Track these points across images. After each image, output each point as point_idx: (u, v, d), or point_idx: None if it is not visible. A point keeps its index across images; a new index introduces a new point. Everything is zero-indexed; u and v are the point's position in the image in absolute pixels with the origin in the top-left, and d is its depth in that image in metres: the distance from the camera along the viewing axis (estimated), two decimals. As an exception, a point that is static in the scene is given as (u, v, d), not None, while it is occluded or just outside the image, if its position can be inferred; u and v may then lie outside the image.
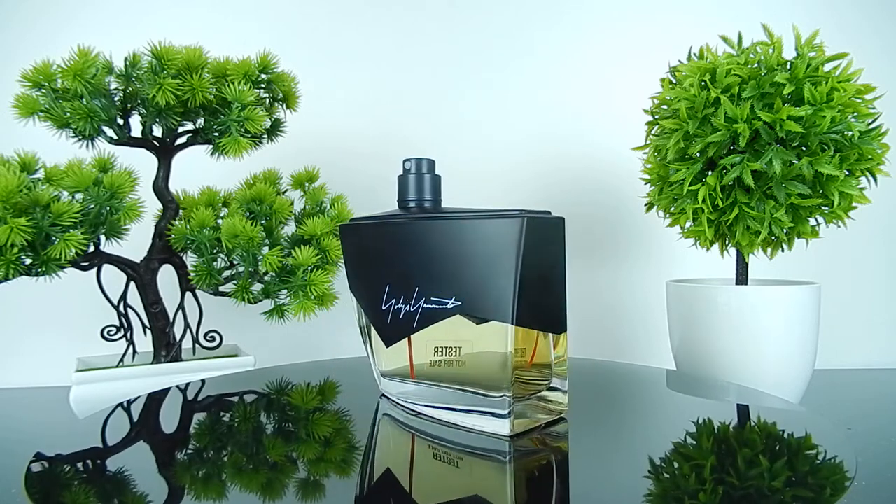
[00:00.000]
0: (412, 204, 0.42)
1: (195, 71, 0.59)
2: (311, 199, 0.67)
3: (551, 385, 0.38)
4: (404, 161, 0.41)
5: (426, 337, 0.38)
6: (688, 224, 0.61)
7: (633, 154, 0.69)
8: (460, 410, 0.38)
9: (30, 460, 0.33)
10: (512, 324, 0.34)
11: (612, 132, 0.88)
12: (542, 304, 0.36)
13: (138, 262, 0.62)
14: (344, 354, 0.66)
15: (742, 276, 0.63)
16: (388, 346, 0.41)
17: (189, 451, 0.36)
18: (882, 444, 0.56)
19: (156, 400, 0.47)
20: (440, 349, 0.38)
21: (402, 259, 0.39)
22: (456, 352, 0.38)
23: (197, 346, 0.66)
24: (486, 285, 0.35)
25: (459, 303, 0.36)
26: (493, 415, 0.36)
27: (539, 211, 0.36)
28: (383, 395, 0.45)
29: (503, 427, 0.36)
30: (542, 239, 0.36)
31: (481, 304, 0.36)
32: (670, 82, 0.63)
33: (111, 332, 0.63)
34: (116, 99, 0.59)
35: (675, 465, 0.31)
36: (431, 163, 0.42)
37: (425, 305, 0.38)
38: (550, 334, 0.37)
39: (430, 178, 0.42)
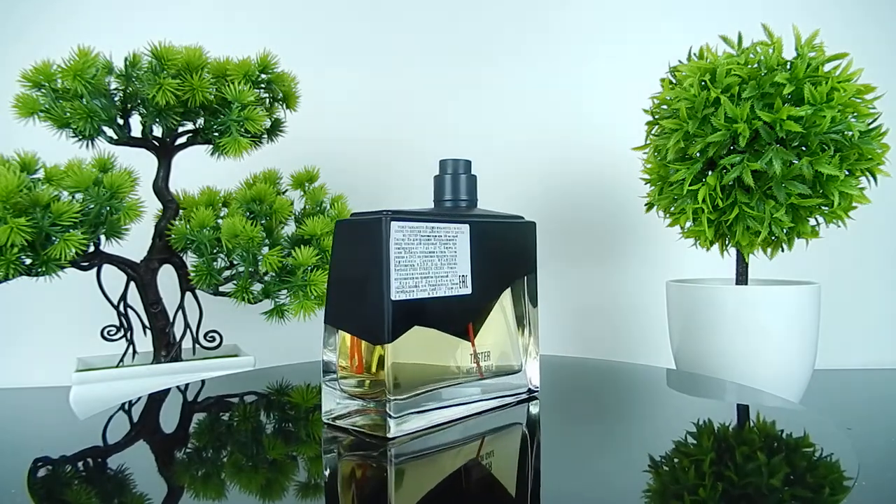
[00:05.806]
0: (448, 204, 0.42)
1: (195, 71, 0.59)
2: (311, 199, 0.67)
3: (384, 401, 0.35)
4: (441, 161, 0.42)
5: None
6: (688, 224, 0.61)
7: (633, 154, 0.69)
8: None
9: (31, 461, 0.33)
10: (324, 322, 0.37)
11: (612, 132, 0.88)
12: (357, 309, 0.35)
13: (138, 262, 0.62)
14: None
15: (742, 276, 0.63)
16: None
17: (189, 452, 0.36)
18: (882, 444, 0.56)
19: (156, 400, 0.47)
20: None
21: None
22: None
23: (197, 346, 0.66)
24: None
25: None
26: None
27: (400, 212, 0.35)
28: None
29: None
30: (362, 241, 0.35)
31: None
32: (670, 82, 0.63)
33: (111, 332, 0.63)
34: (116, 99, 0.59)
35: (676, 463, 0.31)
36: (468, 163, 0.42)
37: None
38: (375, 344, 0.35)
39: (466, 178, 0.42)
